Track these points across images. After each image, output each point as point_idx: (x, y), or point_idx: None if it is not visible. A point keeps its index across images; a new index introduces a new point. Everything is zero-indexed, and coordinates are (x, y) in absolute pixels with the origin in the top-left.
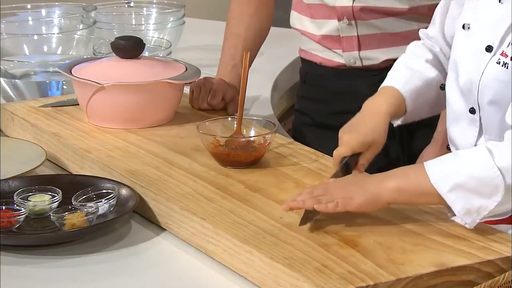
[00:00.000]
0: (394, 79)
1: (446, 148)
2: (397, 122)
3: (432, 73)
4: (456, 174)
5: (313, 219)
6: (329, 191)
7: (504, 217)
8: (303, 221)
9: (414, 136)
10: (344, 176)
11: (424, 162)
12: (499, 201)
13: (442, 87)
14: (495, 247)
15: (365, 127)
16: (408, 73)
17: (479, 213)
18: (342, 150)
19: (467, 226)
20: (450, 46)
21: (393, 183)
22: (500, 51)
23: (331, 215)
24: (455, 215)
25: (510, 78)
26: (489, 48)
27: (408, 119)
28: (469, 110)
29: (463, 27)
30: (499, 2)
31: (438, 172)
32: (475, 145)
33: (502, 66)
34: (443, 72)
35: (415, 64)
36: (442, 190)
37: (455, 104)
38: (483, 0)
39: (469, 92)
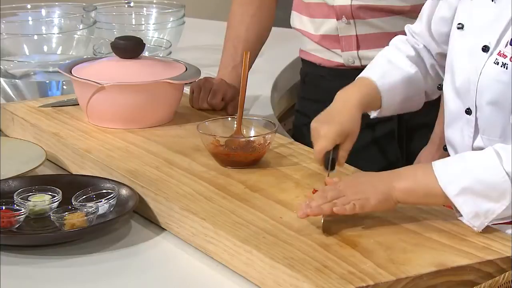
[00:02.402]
0: (372, 71)
1: (443, 149)
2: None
3: (411, 69)
4: (465, 178)
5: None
6: (342, 193)
7: (509, 221)
8: (325, 228)
9: (413, 137)
10: (351, 175)
11: (432, 163)
12: (507, 205)
13: (440, 88)
14: (495, 247)
15: (341, 117)
16: (387, 66)
17: (487, 216)
18: (324, 143)
19: (475, 229)
20: (436, 42)
21: (402, 184)
22: (497, 51)
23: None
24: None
25: (511, 78)
26: (485, 48)
27: (384, 113)
28: (465, 110)
29: (458, 27)
30: (492, 1)
31: (447, 174)
32: (472, 146)
33: (501, 66)
34: (424, 70)
35: (395, 58)
36: (451, 193)
37: (452, 105)
38: (476, 0)
39: (467, 93)
